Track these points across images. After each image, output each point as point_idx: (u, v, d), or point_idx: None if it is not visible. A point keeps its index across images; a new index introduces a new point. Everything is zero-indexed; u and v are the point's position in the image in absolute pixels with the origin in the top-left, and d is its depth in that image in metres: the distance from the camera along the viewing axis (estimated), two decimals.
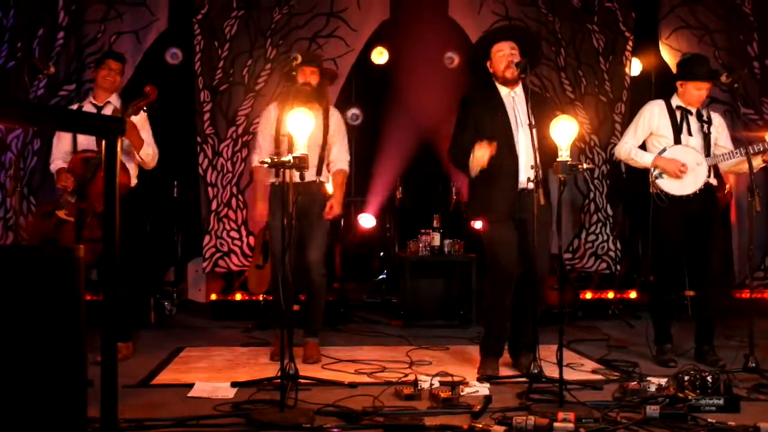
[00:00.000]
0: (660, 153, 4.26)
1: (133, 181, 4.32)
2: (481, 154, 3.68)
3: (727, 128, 4.47)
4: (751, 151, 4.04)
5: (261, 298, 5.86)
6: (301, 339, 4.27)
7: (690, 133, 4.30)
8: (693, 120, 4.32)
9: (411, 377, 3.66)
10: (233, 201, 6.07)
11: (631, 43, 6.47)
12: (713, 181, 4.30)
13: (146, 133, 4.29)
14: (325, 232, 4.33)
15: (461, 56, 6.90)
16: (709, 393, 3.13)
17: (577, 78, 6.43)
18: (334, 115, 4.38)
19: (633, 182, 5.08)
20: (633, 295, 6.44)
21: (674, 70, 4.64)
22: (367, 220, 6.92)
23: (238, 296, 6.15)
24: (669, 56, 6.43)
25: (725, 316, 5.28)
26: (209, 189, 6.08)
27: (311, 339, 4.31)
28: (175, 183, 6.29)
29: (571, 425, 2.74)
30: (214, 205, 6.07)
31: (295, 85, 4.07)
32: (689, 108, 4.32)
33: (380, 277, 7.17)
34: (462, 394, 3.30)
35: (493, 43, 3.97)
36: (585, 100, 6.43)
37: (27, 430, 1.68)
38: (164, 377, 3.80)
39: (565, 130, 3.19)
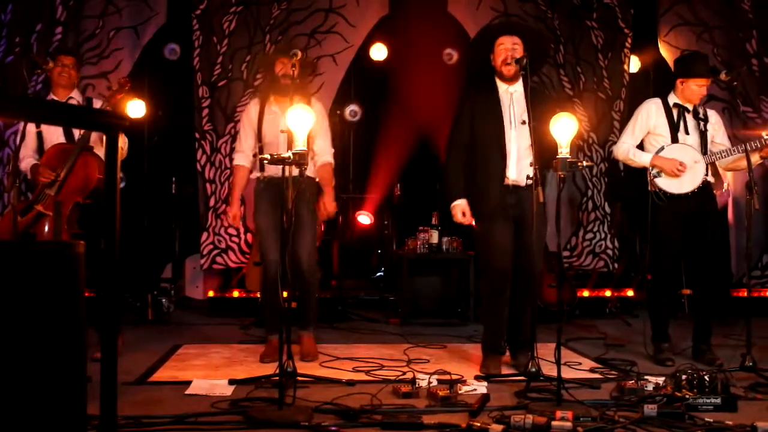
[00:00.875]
0: (657, 152, 4.25)
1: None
2: (459, 221, 3.88)
3: (723, 125, 4.46)
4: (749, 148, 4.04)
5: (259, 295, 5.85)
6: (296, 336, 4.25)
7: (687, 131, 4.29)
8: (690, 118, 4.30)
9: (409, 375, 3.65)
10: None
11: (629, 40, 6.46)
12: (711, 179, 4.30)
13: None
14: (314, 226, 4.27)
15: (460, 52, 6.89)
16: (706, 392, 3.13)
17: (575, 75, 6.43)
18: (316, 106, 4.22)
19: (631, 180, 5.06)
20: (630, 293, 6.43)
21: (673, 67, 4.63)
22: (364, 218, 6.91)
23: (236, 293, 6.15)
24: (668, 53, 6.42)
25: (723, 315, 5.30)
26: (207, 185, 6.06)
27: (305, 333, 4.28)
28: (173, 179, 6.28)
29: (569, 424, 2.73)
30: (212, 202, 6.06)
31: (274, 77, 4.03)
32: (687, 105, 4.31)
33: (378, 274, 7.16)
34: (460, 392, 3.29)
35: (497, 35, 3.88)
36: (584, 97, 6.42)
37: (28, 428, 1.67)
38: (162, 374, 3.79)
39: (565, 128, 3.18)
